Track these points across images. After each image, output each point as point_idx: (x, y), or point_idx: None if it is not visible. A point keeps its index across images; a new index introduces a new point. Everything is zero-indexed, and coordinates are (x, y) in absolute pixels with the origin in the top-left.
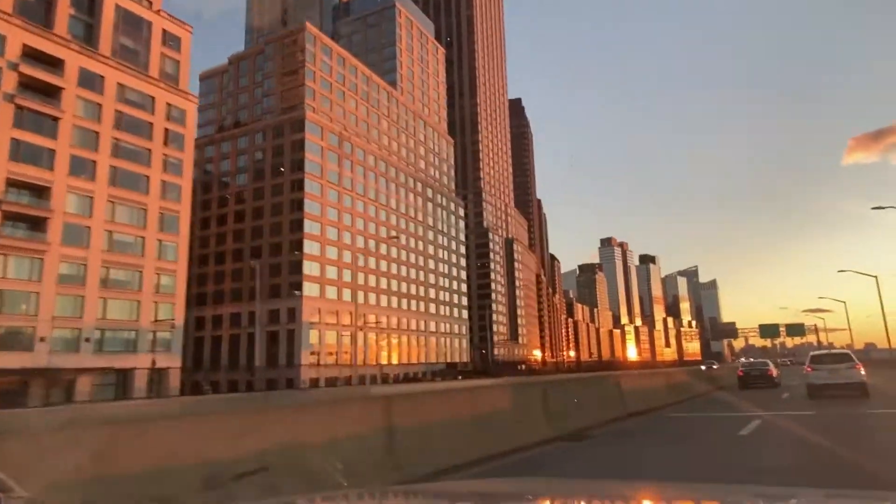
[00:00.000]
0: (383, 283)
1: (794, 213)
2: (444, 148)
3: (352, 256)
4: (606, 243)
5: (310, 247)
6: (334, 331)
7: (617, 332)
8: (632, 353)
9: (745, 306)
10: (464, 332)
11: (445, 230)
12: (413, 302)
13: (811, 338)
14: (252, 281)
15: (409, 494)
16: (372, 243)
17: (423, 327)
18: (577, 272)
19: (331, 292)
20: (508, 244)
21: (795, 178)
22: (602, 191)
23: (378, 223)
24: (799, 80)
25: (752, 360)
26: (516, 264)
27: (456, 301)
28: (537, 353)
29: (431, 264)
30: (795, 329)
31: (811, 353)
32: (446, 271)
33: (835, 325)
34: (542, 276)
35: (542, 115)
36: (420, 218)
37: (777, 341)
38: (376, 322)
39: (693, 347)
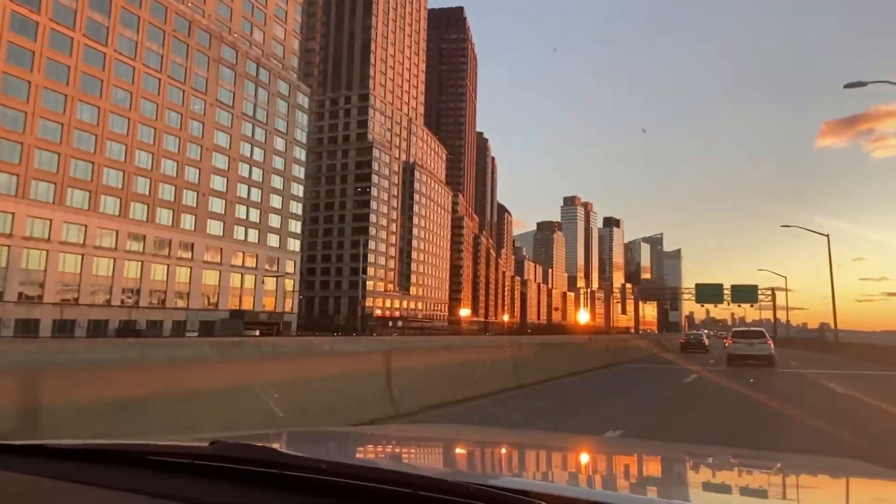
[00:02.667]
0: (167, 194)
1: (762, 191)
2: (292, 16)
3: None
4: (569, 202)
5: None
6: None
7: (571, 294)
8: (585, 318)
9: (710, 278)
10: (291, 271)
11: (285, 130)
12: (211, 223)
13: (768, 314)
14: None
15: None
16: (146, 132)
17: (225, 258)
18: (530, 226)
19: (77, 199)
20: (408, 171)
21: (769, 159)
22: (569, 149)
23: (164, 104)
24: (776, 56)
25: (692, 331)
26: (417, 197)
27: (284, 227)
28: (465, 312)
29: (244, 170)
30: (744, 294)
31: (733, 329)
32: (272, 185)
33: (794, 305)
34: (480, 227)
35: (511, 67)
36: (242, 108)
37: (738, 316)
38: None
39: (651, 315)
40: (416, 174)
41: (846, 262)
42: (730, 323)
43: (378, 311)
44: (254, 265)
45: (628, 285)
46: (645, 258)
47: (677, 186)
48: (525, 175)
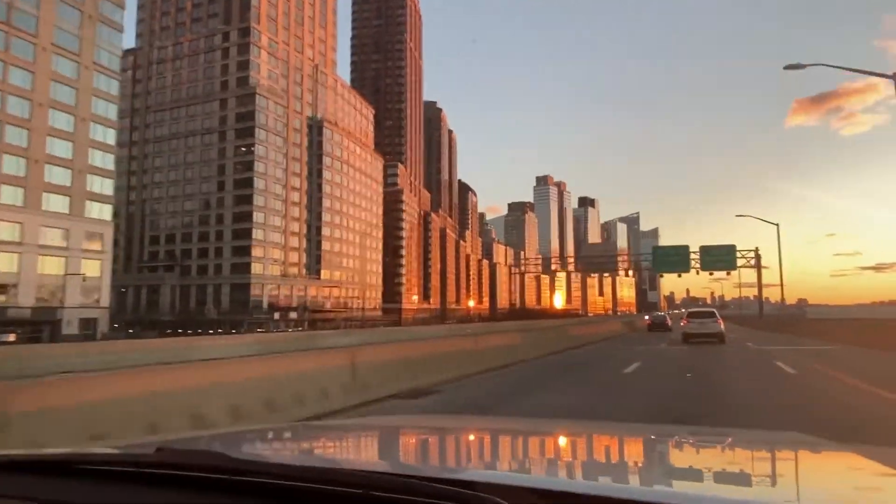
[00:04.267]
0: None
1: (737, 171)
2: None
3: None
4: (542, 181)
5: None
6: None
7: (546, 278)
8: (559, 302)
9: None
10: (104, 249)
11: (97, 57)
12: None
13: (747, 292)
14: None
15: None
16: None
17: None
18: (506, 211)
19: None
20: (315, 129)
21: (744, 137)
22: (542, 129)
23: None
24: (750, 33)
25: (656, 313)
26: (329, 161)
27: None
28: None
29: (15, 107)
30: (717, 258)
31: (688, 311)
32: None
33: (768, 281)
34: (434, 205)
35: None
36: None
37: (717, 294)
38: None
39: (629, 296)
40: (327, 133)
41: (820, 237)
42: (709, 302)
43: (280, 300)
44: (63, 244)
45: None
46: (622, 238)
47: (653, 165)
48: (498, 160)
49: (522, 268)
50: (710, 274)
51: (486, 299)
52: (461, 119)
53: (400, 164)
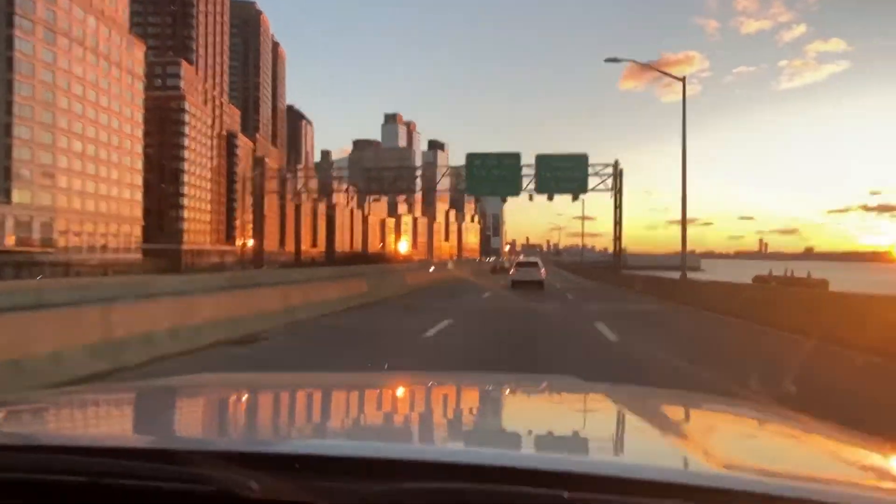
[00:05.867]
0: None
1: (580, 127)
2: None
3: None
4: (391, 119)
5: None
6: None
7: (391, 221)
8: (405, 247)
9: (529, 204)
10: None
11: None
12: None
13: (586, 239)
14: None
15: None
16: None
17: None
18: (351, 148)
19: None
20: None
21: (583, 96)
22: (390, 66)
23: None
24: None
25: (495, 258)
26: (26, 25)
27: None
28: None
29: None
30: (561, 177)
31: (516, 261)
32: None
33: (595, 231)
34: (247, 127)
35: None
36: None
37: (552, 242)
38: None
39: (473, 242)
40: (106, 31)
41: (639, 194)
42: (545, 249)
43: None
44: None
45: (453, 211)
46: None
47: (501, 113)
48: (347, 96)
49: (367, 210)
50: (550, 199)
51: (325, 243)
52: (303, 46)
53: (185, 62)
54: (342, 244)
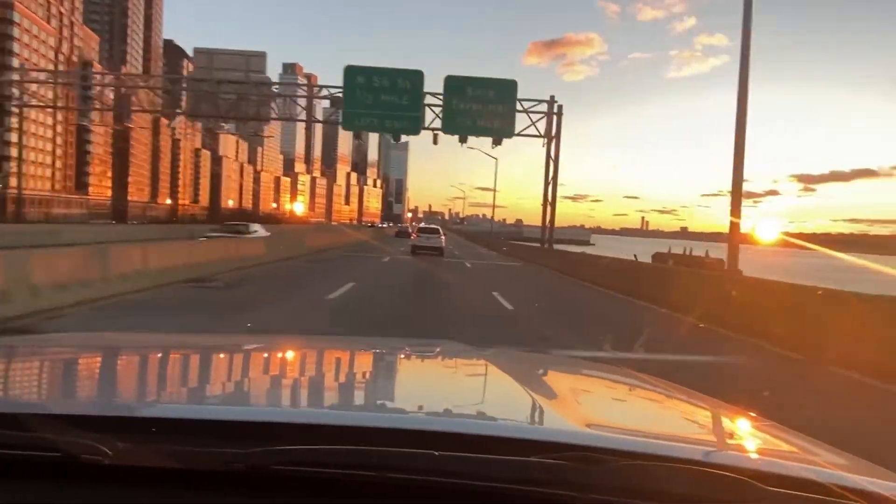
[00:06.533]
0: None
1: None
2: None
3: None
4: (290, 70)
5: None
6: None
7: (287, 180)
8: (301, 208)
9: (433, 172)
10: None
11: None
12: None
13: (485, 210)
14: None
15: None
16: None
17: None
18: None
19: None
20: None
21: (490, 70)
22: (288, 14)
23: None
24: None
25: (401, 224)
26: None
27: None
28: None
29: None
30: (483, 108)
31: (418, 227)
32: None
33: (502, 204)
34: (111, 57)
35: None
36: None
37: (454, 211)
38: None
39: (375, 207)
40: None
41: (538, 168)
42: (447, 218)
43: None
44: None
45: (354, 174)
46: (372, 147)
47: None
48: (234, 35)
49: (259, 166)
50: (463, 140)
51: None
52: None
53: None
54: (230, 201)
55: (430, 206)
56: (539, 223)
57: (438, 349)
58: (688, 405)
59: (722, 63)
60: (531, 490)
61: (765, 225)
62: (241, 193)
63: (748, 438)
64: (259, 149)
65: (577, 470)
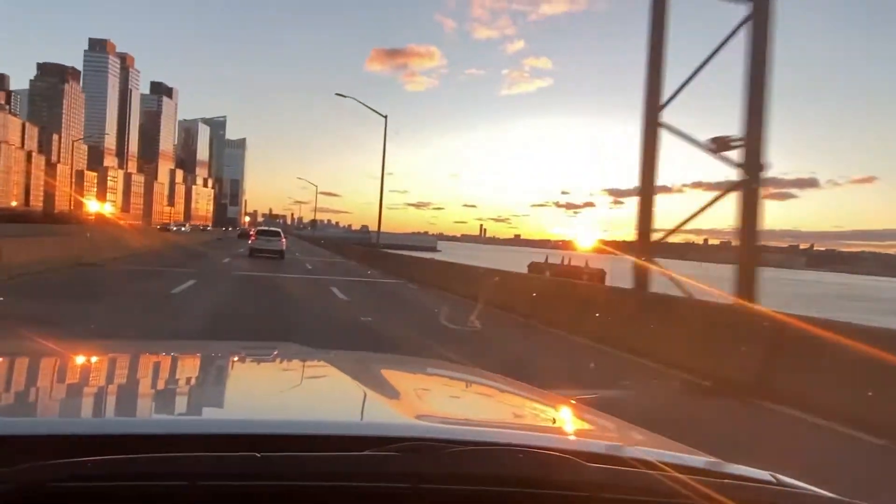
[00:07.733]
0: None
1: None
2: None
3: None
4: (99, 47)
5: None
6: None
7: (93, 174)
8: (110, 208)
9: (273, 172)
10: None
11: None
12: None
13: (329, 215)
14: None
15: None
16: None
17: None
18: (36, 73)
19: None
20: None
21: (335, 73)
22: None
23: None
24: None
25: (241, 227)
26: None
27: None
28: None
29: None
30: None
31: (258, 228)
32: None
33: (338, 207)
34: None
35: None
36: None
37: (297, 216)
38: None
39: (205, 209)
40: None
41: (377, 175)
42: (288, 223)
43: None
44: None
45: (180, 171)
46: (203, 142)
47: (247, 71)
48: (35, 8)
49: (54, 156)
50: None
51: None
52: None
53: None
54: (10, 196)
55: (270, 209)
56: (385, 230)
57: (276, 352)
58: (518, 397)
59: (546, 85)
60: (360, 485)
61: (583, 233)
62: (27, 188)
63: (568, 422)
64: (56, 136)
65: (408, 460)
